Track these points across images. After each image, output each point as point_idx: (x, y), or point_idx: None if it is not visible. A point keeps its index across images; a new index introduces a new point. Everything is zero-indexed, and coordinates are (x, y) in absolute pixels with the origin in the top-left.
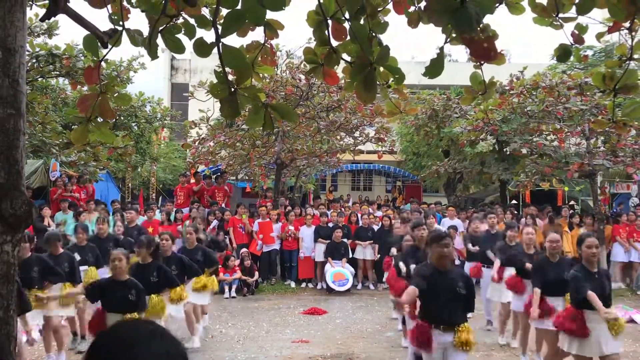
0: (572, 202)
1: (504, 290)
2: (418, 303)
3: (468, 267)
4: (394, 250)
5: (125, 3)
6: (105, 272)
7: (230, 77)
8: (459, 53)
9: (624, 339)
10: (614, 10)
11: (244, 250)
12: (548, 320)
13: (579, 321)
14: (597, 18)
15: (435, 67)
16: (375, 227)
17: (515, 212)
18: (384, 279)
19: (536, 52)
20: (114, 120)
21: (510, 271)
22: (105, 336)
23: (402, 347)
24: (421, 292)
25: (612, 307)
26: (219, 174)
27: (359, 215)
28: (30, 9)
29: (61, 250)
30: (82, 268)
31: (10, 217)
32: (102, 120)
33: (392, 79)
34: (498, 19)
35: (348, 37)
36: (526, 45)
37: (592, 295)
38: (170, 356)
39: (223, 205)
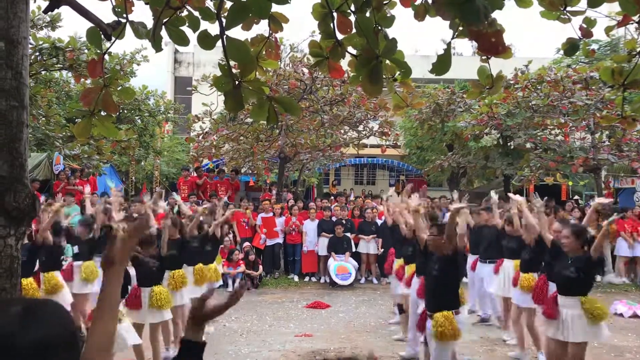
0: (576, 197)
1: (508, 285)
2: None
3: (471, 260)
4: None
5: None
6: None
7: (234, 71)
8: (463, 46)
9: (628, 333)
10: (624, 4)
11: (247, 244)
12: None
13: (551, 302)
14: (603, 12)
15: (442, 63)
16: (379, 221)
17: None
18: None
19: (541, 45)
20: (117, 113)
21: (511, 263)
22: None
23: (405, 341)
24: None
25: (591, 297)
26: (223, 169)
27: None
28: (34, 1)
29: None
30: (77, 263)
31: (13, 210)
32: (105, 114)
33: (398, 72)
34: (502, 13)
35: (354, 30)
36: (531, 39)
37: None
38: (49, 343)
39: (226, 198)
